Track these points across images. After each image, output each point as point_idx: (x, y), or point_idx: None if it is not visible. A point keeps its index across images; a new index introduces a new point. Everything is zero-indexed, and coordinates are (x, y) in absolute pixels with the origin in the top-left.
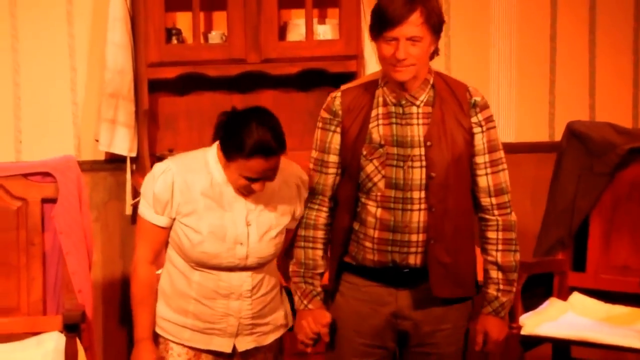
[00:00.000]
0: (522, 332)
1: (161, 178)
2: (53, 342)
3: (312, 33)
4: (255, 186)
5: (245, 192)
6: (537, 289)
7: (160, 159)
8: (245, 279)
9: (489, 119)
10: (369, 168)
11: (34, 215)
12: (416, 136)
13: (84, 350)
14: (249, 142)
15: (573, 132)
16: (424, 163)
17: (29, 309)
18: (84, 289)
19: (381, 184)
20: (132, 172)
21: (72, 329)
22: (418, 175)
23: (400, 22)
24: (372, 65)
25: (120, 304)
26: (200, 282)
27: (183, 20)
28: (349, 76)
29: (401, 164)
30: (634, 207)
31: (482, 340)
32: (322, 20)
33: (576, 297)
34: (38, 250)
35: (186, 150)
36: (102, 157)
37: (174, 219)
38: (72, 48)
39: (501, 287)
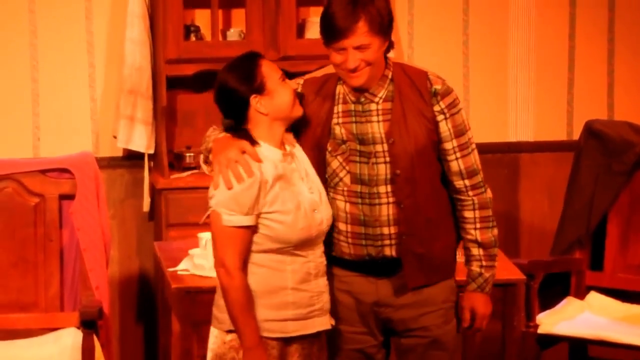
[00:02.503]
0: (539, 331)
1: (251, 186)
2: (70, 338)
3: None
4: (352, 56)
5: (298, 107)
6: (554, 287)
7: (178, 156)
8: (321, 255)
9: (451, 105)
10: (334, 164)
11: (52, 211)
12: (377, 133)
13: (101, 346)
14: (243, 61)
15: (591, 131)
16: (387, 159)
17: (47, 305)
18: (101, 285)
19: (347, 179)
20: (149, 169)
21: (89, 325)
22: (383, 170)
23: (346, 35)
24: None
25: (137, 301)
26: (294, 270)
27: (201, 17)
28: None
29: (365, 160)
30: None
31: (469, 317)
32: None
33: (593, 297)
34: (55, 246)
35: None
36: (119, 154)
37: (260, 216)
38: (91, 44)
39: (484, 263)
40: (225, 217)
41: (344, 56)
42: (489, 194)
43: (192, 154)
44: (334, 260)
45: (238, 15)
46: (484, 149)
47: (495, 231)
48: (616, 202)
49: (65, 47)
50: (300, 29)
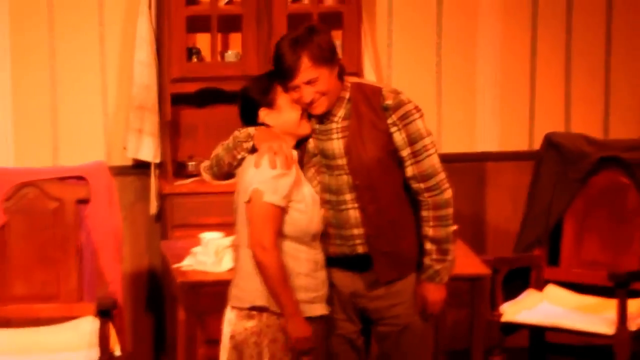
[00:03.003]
0: (503, 319)
1: (287, 175)
2: (88, 325)
3: None
4: (305, 91)
5: (308, 106)
6: (516, 281)
7: (182, 164)
8: (322, 250)
9: (403, 117)
10: (309, 173)
11: (69, 214)
12: (337, 149)
13: (115, 333)
14: (270, 75)
15: (550, 142)
16: (347, 171)
17: (67, 297)
18: (115, 279)
19: (318, 188)
20: (156, 176)
21: (105, 314)
22: (345, 181)
23: (293, 74)
24: (370, 79)
25: (146, 293)
26: (307, 258)
27: (202, 41)
28: None
29: (330, 172)
30: (603, 210)
31: (420, 304)
32: None
33: (551, 289)
34: (73, 245)
35: (205, 158)
36: (129, 163)
37: (289, 203)
38: (103, 65)
39: (434, 256)
40: (267, 194)
41: (299, 93)
42: (445, 195)
43: (194, 163)
44: None
45: (235, 38)
46: (454, 158)
47: (450, 229)
48: (571, 205)
49: (80, 68)
50: None
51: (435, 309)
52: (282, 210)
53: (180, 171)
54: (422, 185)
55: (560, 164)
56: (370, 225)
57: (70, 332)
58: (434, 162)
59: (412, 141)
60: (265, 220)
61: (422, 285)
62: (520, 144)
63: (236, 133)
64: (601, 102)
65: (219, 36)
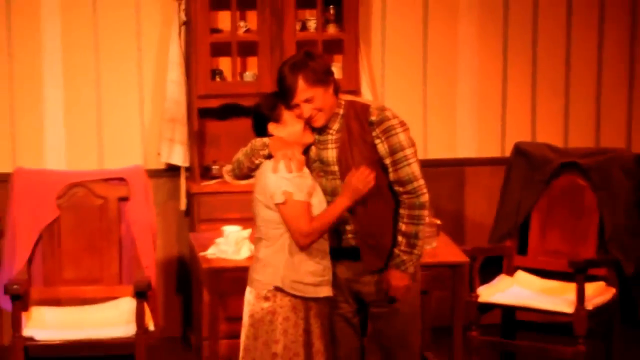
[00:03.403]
0: (479, 300)
1: (302, 180)
2: (127, 304)
3: None
4: (304, 108)
5: (308, 120)
6: (490, 267)
7: (207, 168)
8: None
9: (386, 130)
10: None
11: (112, 210)
12: (331, 157)
13: (150, 311)
14: (276, 95)
15: (519, 150)
16: (339, 177)
17: (109, 280)
18: (150, 265)
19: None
20: (185, 178)
21: (141, 295)
22: (337, 185)
23: (292, 95)
24: (366, 96)
25: (176, 277)
26: (317, 248)
27: (224, 64)
28: None
29: (326, 176)
30: (564, 207)
31: (385, 287)
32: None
33: (520, 274)
34: (115, 236)
35: (226, 162)
36: (162, 167)
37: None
38: (141, 84)
39: (402, 248)
40: (296, 194)
41: (299, 110)
42: (421, 199)
43: (217, 167)
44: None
45: (252, 62)
46: (438, 163)
47: (420, 227)
48: (537, 203)
49: (122, 86)
50: None
51: (397, 294)
52: (309, 204)
53: (206, 173)
54: (401, 189)
55: (527, 169)
56: (358, 223)
57: (112, 310)
58: (413, 170)
59: (392, 152)
60: (300, 214)
61: (389, 271)
62: (493, 151)
63: (253, 142)
64: (561, 117)
65: (238, 60)
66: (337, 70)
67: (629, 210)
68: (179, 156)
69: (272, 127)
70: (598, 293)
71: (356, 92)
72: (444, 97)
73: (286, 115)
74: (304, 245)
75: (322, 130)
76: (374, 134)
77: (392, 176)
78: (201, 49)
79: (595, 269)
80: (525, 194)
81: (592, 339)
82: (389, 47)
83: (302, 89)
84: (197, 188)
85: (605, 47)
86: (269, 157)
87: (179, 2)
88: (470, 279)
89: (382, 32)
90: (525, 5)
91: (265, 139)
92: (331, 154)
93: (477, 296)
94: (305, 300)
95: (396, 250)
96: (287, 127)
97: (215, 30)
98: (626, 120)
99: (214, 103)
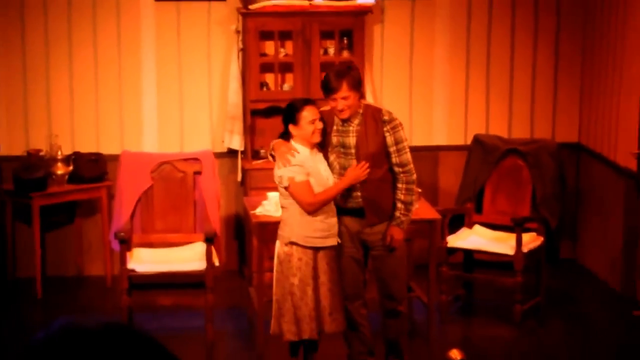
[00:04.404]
0: (448, 245)
1: (298, 160)
2: (200, 247)
3: None
4: (318, 124)
5: (317, 134)
6: (456, 222)
7: (256, 152)
8: (333, 204)
9: (394, 127)
10: (332, 157)
11: (189, 181)
12: (351, 143)
13: (216, 252)
14: (298, 102)
15: (477, 139)
16: (354, 157)
17: (187, 230)
18: (215, 219)
19: (337, 167)
20: (241, 158)
21: (209, 240)
22: (353, 163)
23: (335, 91)
24: (370, 99)
25: (234, 228)
26: (323, 210)
27: (269, 78)
28: None
29: (345, 156)
30: (508, 180)
31: (389, 240)
32: None
33: (477, 227)
34: (191, 199)
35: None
36: (225, 150)
37: (309, 174)
38: (210, 91)
39: (402, 212)
40: (297, 178)
41: (335, 103)
42: (413, 177)
43: (264, 151)
44: (339, 210)
45: (289, 77)
46: (419, 149)
47: (413, 197)
48: (489, 178)
49: (197, 92)
50: None
51: (396, 244)
52: (308, 182)
53: (255, 155)
54: (400, 169)
55: (482, 153)
56: (366, 191)
57: (189, 251)
58: (408, 156)
59: (397, 142)
60: (302, 191)
61: (391, 228)
62: (459, 140)
63: (272, 142)
64: (507, 115)
65: (279, 75)
66: None
67: (553, 182)
68: (236, 143)
69: (291, 127)
70: (531, 240)
71: (363, 97)
72: (424, 100)
73: (303, 121)
74: (309, 211)
75: (345, 123)
76: (385, 129)
77: (395, 160)
78: (253, 67)
79: (530, 224)
80: (481, 171)
81: (527, 272)
82: (385, 65)
83: (344, 90)
84: (249, 165)
85: (538, 62)
86: (272, 155)
87: (237, 34)
88: (442, 231)
89: (381, 55)
90: (481, 36)
91: (273, 142)
92: (352, 140)
93: (446, 243)
94: (315, 249)
95: (397, 213)
96: (301, 130)
97: (263, 55)
98: (552, 118)
99: (261, 105)
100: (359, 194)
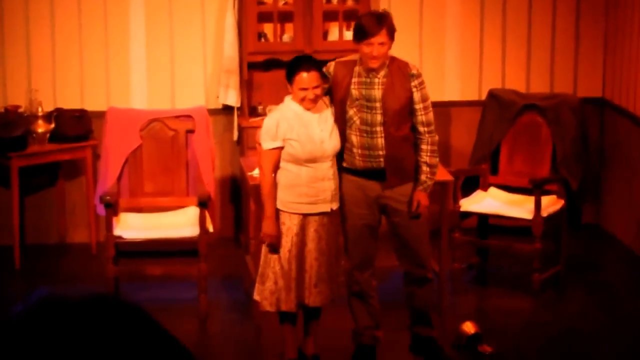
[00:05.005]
0: (461, 210)
1: (271, 122)
2: (193, 211)
3: (342, 36)
4: (308, 93)
5: (308, 103)
6: (470, 184)
7: (254, 108)
8: (328, 168)
9: (421, 83)
10: (351, 112)
11: (181, 140)
12: (377, 96)
13: (210, 216)
14: (295, 65)
15: (492, 94)
16: (381, 112)
17: (179, 193)
18: (209, 182)
19: (358, 122)
20: (237, 115)
21: (203, 205)
22: (378, 118)
23: (375, 34)
24: None
25: (230, 190)
26: (307, 174)
27: (268, 28)
28: None
29: (368, 111)
30: (526, 139)
31: (416, 205)
32: (348, 28)
33: (492, 190)
34: (184, 160)
35: (268, 103)
36: (220, 107)
37: (284, 140)
38: (204, 43)
39: (428, 175)
40: (263, 144)
41: (370, 48)
42: (436, 137)
43: (261, 107)
44: (351, 171)
45: (289, 27)
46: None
47: (437, 159)
48: (505, 136)
49: (190, 46)
50: (325, 35)
51: (423, 209)
52: (276, 150)
53: (253, 112)
54: (425, 129)
55: (498, 109)
56: (388, 148)
57: (181, 216)
58: (432, 115)
59: (424, 99)
60: (263, 160)
61: (418, 193)
62: (473, 95)
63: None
64: (524, 68)
65: (278, 25)
66: (351, 34)
67: (574, 141)
68: (232, 98)
69: (288, 86)
70: (551, 204)
71: None
72: (436, 53)
73: (295, 84)
74: (260, 181)
75: (370, 74)
76: (412, 83)
77: (421, 118)
78: (250, 17)
79: (549, 185)
80: (496, 129)
81: (546, 239)
82: (393, 13)
83: (382, 35)
84: (246, 123)
85: (558, 9)
86: None
87: None
88: (454, 193)
89: (388, 3)
90: None
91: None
92: (377, 93)
93: (459, 206)
94: (303, 215)
95: (423, 177)
96: (293, 91)
97: (261, 3)
98: (573, 71)
99: (259, 58)
100: (380, 152)
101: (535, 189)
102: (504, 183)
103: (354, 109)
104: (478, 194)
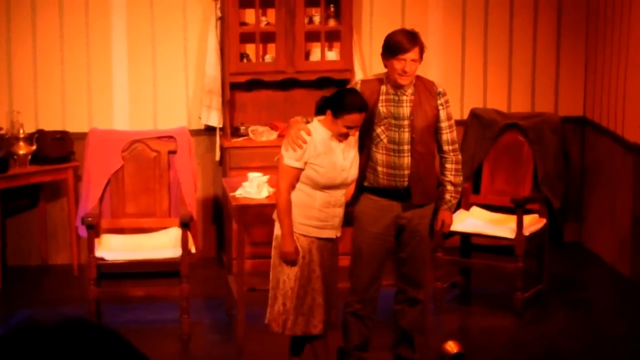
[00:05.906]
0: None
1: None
2: (174, 233)
3: (324, 56)
4: (352, 132)
5: (343, 137)
6: None
7: (236, 128)
8: (341, 195)
9: (447, 102)
10: (378, 130)
11: (164, 160)
12: (405, 114)
13: (192, 237)
14: (353, 104)
15: (473, 114)
16: (409, 130)
17: (161, 214)
18: (192, 203)
19: (385, 140)
20: (219, 136)
21: (185, 225)
22: (406, 136)
23: (408, 50)
24: (358, 75)
25: (212, 211)
26: (322, 199)
27: (250, 49)
28: (345, 81)
29: (396, 129)
30: (507, 158)
31: (440, 225)
32: (330, 48)
33: (474, 209)
34: (165, 181)
35: (251, 124)
36: (202, 127)
37: (306, 163)
38: (186, 64)
39: (453, 195)
40: (286, 159)
41: (402, 64)
42: (460, 156)
43: (244, 127)
44: (371, 190)
45: (271, 47)
46: None
47: (461, 178)
48: (487, 155)
49: (172, 66)
50: (307, 55)
51: (447, 229)
52: (296, 170)
53: (235, 132)
54: (450, 147)
55: (480, 128)
56: (414, 167)
57: (163, 237)
58: (455, 134)
59: (449, 118)
60: (282, 175)
61: (443, 212)
62: (455, 115)
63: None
64: (506, 88)
65: (261, 46)
66: (335, 53)
67: (556, 159)
68: (214, 119)
69: (329, 113)
70: (533, 223)
71: (350, 70)
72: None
73: (343, 120)
74: (276, 199)
75: (399, 91)
76: (439, 101)
77: (446, 137)
78: (232, 37)
79: (531, 204)
80: (478, 148)
81: (528, 257)
82: (374, 35)
83: (415, 52)
84: (228, 143)
85: (540, 29)
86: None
87: (215, 2)
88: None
89: (370, 24)
90: (479, 3)
91: (293, 118)
92: (405, 110)
93: None
94: (310, 237)
95: (447, 196)
96: (336, 125)
97: (243, 24)
98: (554, 90)
99: (242, 79)
100: (405, 172)
101: (517, 208)
102: (486, 202)
103: (382, 127)
104: (460, 213)
